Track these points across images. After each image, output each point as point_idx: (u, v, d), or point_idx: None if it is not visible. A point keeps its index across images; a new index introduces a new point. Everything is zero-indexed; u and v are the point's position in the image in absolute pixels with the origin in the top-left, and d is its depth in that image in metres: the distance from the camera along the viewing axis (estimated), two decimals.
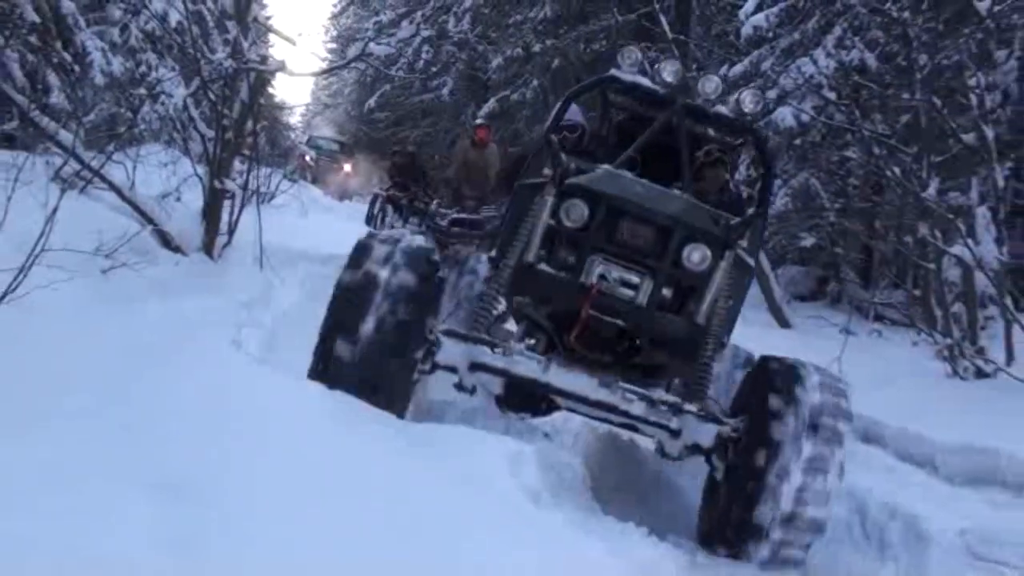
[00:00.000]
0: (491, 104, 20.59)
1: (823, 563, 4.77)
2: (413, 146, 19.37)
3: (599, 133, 6.88)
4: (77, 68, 10.12)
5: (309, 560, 2.60)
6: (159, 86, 9.76)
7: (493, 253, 6.16)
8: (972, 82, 8.62)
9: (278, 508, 2.89)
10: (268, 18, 26.15)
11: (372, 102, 29.59)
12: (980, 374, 7.67)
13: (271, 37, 11.77)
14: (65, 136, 7.31)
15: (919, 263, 9.21)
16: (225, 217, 7.91)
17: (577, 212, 4.94)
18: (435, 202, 12.52)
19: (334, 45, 38.90)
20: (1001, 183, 8.41)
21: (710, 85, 5.41)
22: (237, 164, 8.35)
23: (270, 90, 14.61)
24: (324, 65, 19.45)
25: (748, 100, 5.45)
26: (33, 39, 9.36)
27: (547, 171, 5.34)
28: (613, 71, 5.75)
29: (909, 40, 9.17)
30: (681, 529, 4.89)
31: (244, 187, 8.16)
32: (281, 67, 8.26)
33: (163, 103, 9.77)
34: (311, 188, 18.10)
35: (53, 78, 9.85)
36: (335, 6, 41.24)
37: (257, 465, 3.25)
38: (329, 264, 8.32)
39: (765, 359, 5.03)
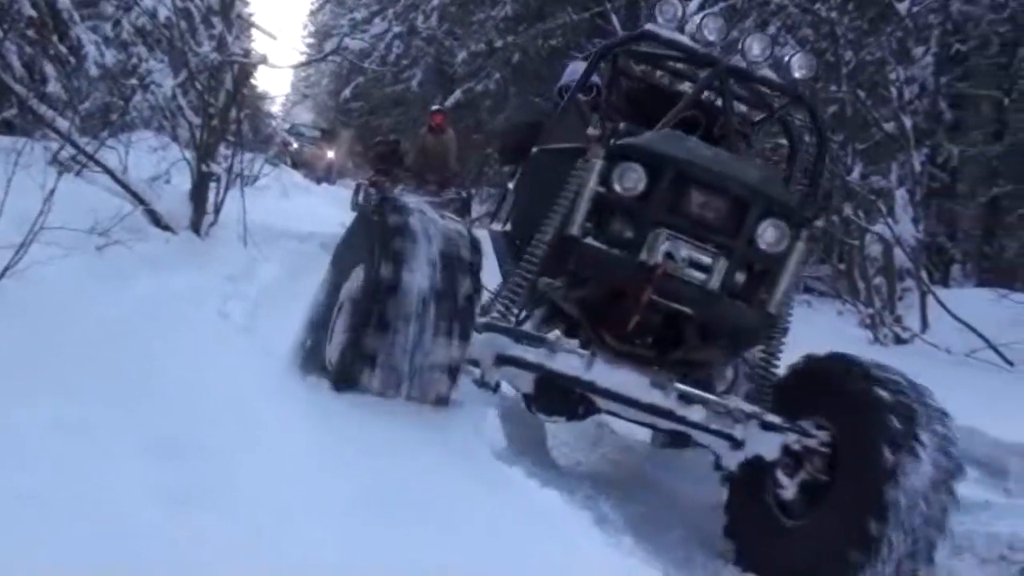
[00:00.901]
0: (456, 95, 20.50)
1: None
2: (394, 135, 19.17)
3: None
4: (72, 60, 9.97)
5: (300, 512, 2.60)
6: (149, 77, 9.67)
7: (503, 227, 5.24)
8: (892, 76, 8.72)
9: (271, 466, 2.89)
10: (251, 14, 25.81)
11: (347, 93, 29.36)
12: (898, 340, 7.79)
13: (254, 32, 11.65)
14: (62, 123, 7.22)
15: (844, 240, 9.30)
16: (211, 198, 7.84)
17: (633, 177, 3.91)
18: (398, 188, 12.10)
19: (312, 40, 38.56)
20: (918, 168, 8.53)
21: (758, 45, 4.32)
22: (222, 149, 8.26)
23: (253, 81, 14.44)
24: (303, 58, 19.30)
25: (799, 64, 4.44)
26: (31, 33, 9.21)
27: (592, 131, 4.33)
28: (649, 26, 4.69)
29: (836, 38, 9.21)
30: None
31: (229, 170, 8.10)
32: (263, 60, 8.22)
33: (153, 93, 9.67)
34: (292, 172, 17.96)
35: (50, 69, 9.70)
36: (313, 4, 40.80)
37: (249, 425, 3.24)
38: (308, 242, 8.30)
39: (844, 362, 4.11)
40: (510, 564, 2.58)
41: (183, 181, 7.90)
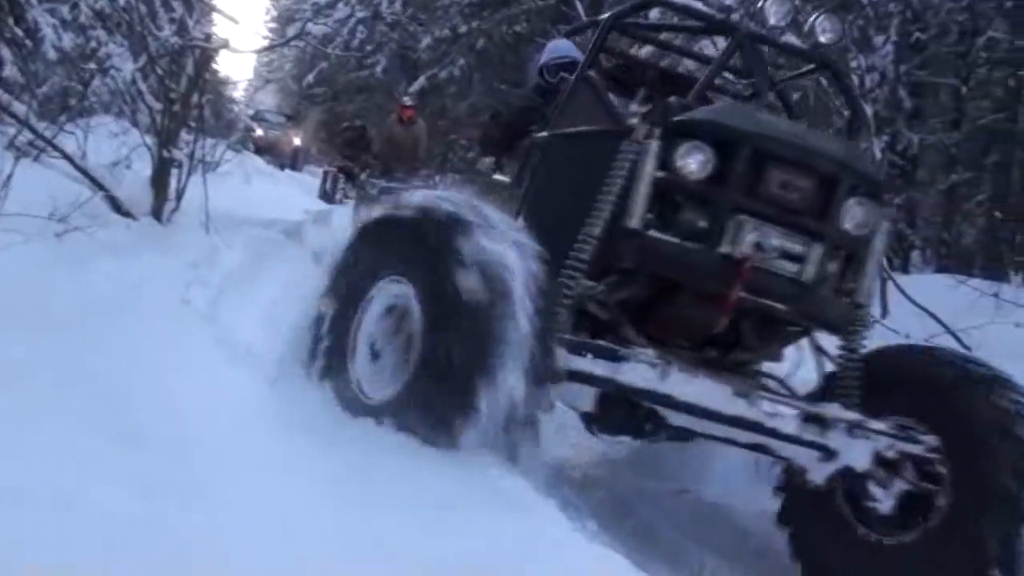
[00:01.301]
0: (421, 81, 20.43)
1: None
2: (360, 120, 19.03)
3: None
4: (29, 43, 9.81)
5: (265, 500, 2.59)
6: (109, 61, 9.49)
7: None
8: (854, 64, 8.78)
9: (234, 455, 2.88)
10: None
11: (311, 78, 29.19)
12: None
13: (215, 16, 11.50)
14: (19, 107, 7.10)
15: None
16: (173, 184, 7.75)
17: (701, 158, 3.40)
18: (364, 172, 12.08)
19: (274, 24, 38.20)
20: (878, 155, 8.61)
21: (781, 9, 3.89)
22: (184, 135, 8.17)
23: (214, 66, 14.26)
24: (265, 43, 19.08)
25: (825, 27, 3.99)
26: None
27: (636, 108, 3.96)
28: None
29: (798, 24, 9.28)
30: None
31: (191, 156, 8.00)
32: (224, 44, 8.12)
33: (112, 77, 9.50)
34: (254, 158, 17.78)
35: (6, 52, 9.53)
36: None
37: (212, 414, 3.23)
38: (271, 228, 8.22)
39: (931, 355, 3.77)
40: (475, 549, 2.59)
41: (144, 167, 7.81)
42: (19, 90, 8.33)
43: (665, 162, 3.44)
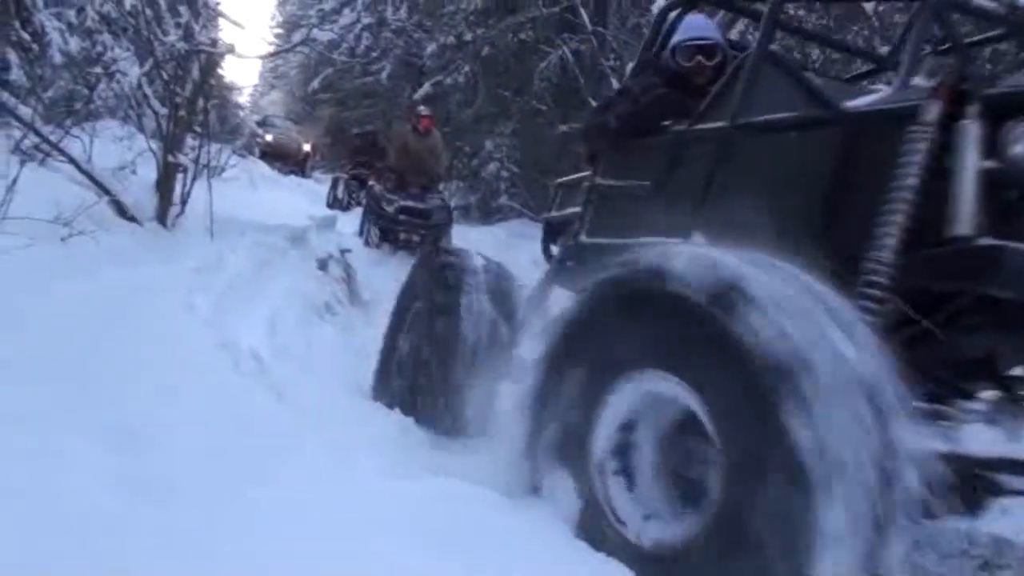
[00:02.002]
0: (426, 88, 20.44)
1: None
2: (370, 127, 18.77)
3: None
4: (36, 47, 9.85)
5: (261, 503, 2.59)
6: (115, 65, 9.55)
7: (588, 238, 4.19)
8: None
9: (232, 458, 2.88)
10: (218, 3, 25.49)
11: (316, 84, 29.16)
12: None
13: (221, 21, 11.53)
14: (24, 111, 7.12)
15: None
16: (178, 189, 7.77)
17: None
18: (378, 186, 11.71)
19: (280, 30, 38.23)
20: None
21: None
22: (189, 140, 8.19)
23: (220, 71, 14.32)
24: (271, 49, 19.13)
25: None
26: None
27: (920, 81, 3.26)
28: None
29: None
30: None
31: (196, 161, 8.03)
32: (230, 49, 8.17)
33: (118, 81, 9.54)
34: (260, 163, 17.70)
35: (12, 56, 9.57)
36: None
37: (211, 418, 3.23)
38: (275, 234, 8.23)
39: None
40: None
41: (149, 172, 7.83)
42: (25, 94, 8.36)
43: (996, 149, 2.73)
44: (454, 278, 4.62)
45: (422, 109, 12.18)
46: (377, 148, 15.67)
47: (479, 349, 4.41)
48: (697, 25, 4.21)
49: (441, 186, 12.23)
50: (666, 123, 3.90)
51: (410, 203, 10.50)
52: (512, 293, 4.73)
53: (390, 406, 4.60)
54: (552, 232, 5.22)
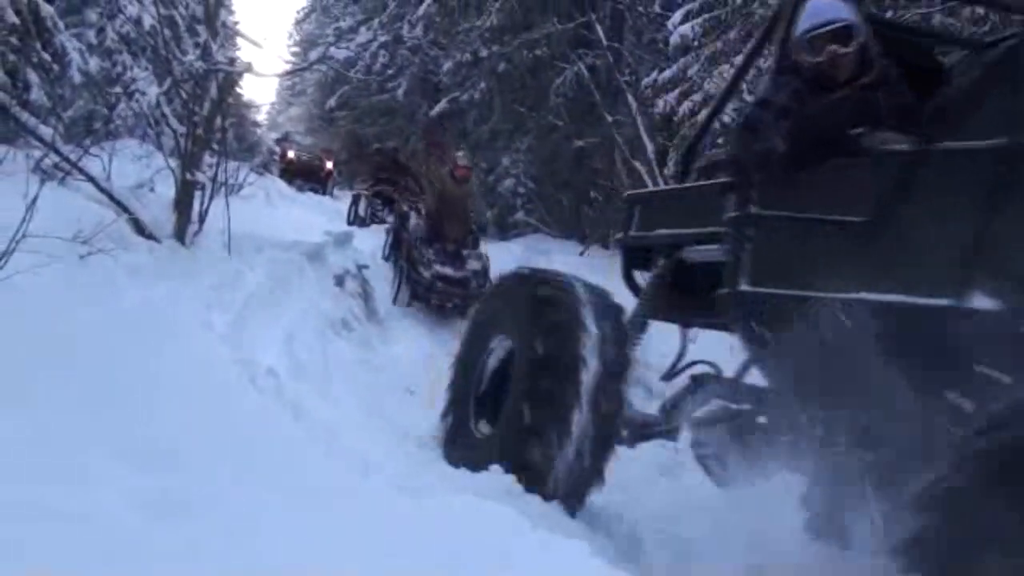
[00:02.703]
0: (442, 104, 20.52)
1: None
2: (392, 142, 18.37)
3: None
4: (56, 67, 9.96)
5: (277, 521, 2.59)
6: (134, 85, 9.65)
7: (753, 287, 3.36)
8: None
9: (250, 476, 2.88)
10: (236, 23, 25.71)
11: (332, 102, 29.32)
12: None
13: (239, 40, 11.63)
14: (45, 130, 7.18)
15: None
16: (196, 207, 7.81)
17: None
18: (410, 213, 10.75)
19: (297, 49, 38.50)
20: None
21: None
22: (207, 158, 8.24)
23: (238, 89, 14.38)
24: (288, 67, 19.23)
25: None
26: (14, 39, 9.18)
27: None
28: None
29: None
30: None
31: (213, 179, 8.07)
32: (248, 68, 8.19)
33: (137, 101, 9.64)
34: (277, 180, 17.64)
35: (33, 76, 9.68)
36: (298, 12, 40.90)
37: (228, 436, 3.23)
38: (292, 251, 8.26)
39: None
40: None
41: (167, 189, 7.88)
42: (46, 113, 8.45)
43: None
44: (562, 320, 3.91)
45: (459, 156, 11.61)
46: (399, 164, 15.49)
47: (602, 417, 3.81)
48: (819, 8, 3.48)
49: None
50: (856, 133, 3.12)
51: (448, 271, 9.74)
52: (624, 334, 3.98)
53: (474, 470, 3.94)
54: (633, 256, 4.63)
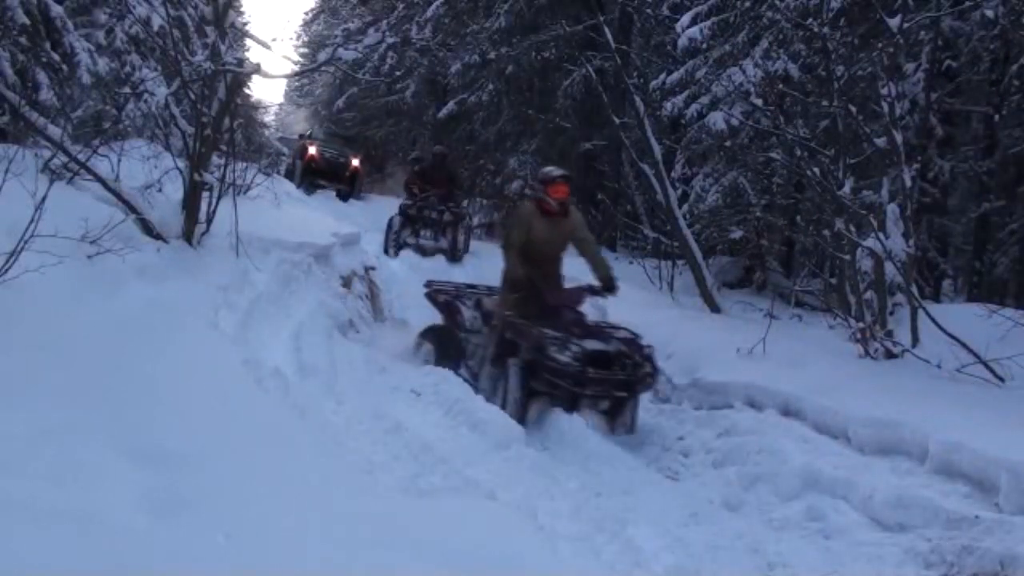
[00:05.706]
0: (450, 106, 20.54)
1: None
2: (440, 146, 15.72)
3: None
4: (65, 67, 9.98)
5: (283, 521, 2.59)
6: (142, 85, 9.67)
7: None
8: (884, 91, 8.72)
9: (255, 476, 2.88)
10: (245, 24, 25.74)
11: (340, 103, 29.35)
12: (889, 355, 7.76)
13: (247, 42, 11.64)
14: (54, 131, 7.20)
15: (835, 254, 9.31)
16: (204, 207, 7.82)
17: None
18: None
19: (305, 50, 38.58)
20: (908, 183, 8.52)
21: None
22: (215, 158, 8.25)
23: (246, 90, 14.33)
24: (296, 68, 19.23)
25: None
26: (23, 40, 9.21)
27: None
28: None
29: (828, 52, 9.24)
30: None
31: (221, 179, 8.08)
32: (256, 69, 8.19)
33: (146, 101, 9.66)
34: (284, 182, 17.25)
35: (42, 76, 9.69)
36: (307, 14, 41.00)
37: (235, 436, 3.24)
38: (300, 252, 8.26)
39: None
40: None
41: (175, 190, 7.90)
42: (55, 113, 8.46)
43: None
44: None
45: (552, 171, 7.46)
46: (445, 171, 13.87)
47: None
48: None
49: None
50: None
51: (598, 345, 6.38)
52: None
53: None
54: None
